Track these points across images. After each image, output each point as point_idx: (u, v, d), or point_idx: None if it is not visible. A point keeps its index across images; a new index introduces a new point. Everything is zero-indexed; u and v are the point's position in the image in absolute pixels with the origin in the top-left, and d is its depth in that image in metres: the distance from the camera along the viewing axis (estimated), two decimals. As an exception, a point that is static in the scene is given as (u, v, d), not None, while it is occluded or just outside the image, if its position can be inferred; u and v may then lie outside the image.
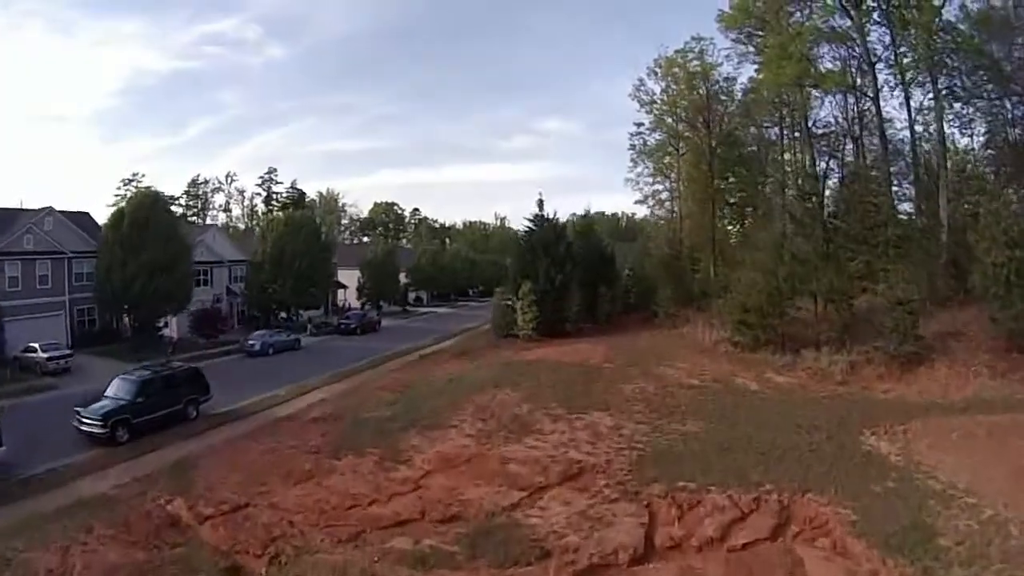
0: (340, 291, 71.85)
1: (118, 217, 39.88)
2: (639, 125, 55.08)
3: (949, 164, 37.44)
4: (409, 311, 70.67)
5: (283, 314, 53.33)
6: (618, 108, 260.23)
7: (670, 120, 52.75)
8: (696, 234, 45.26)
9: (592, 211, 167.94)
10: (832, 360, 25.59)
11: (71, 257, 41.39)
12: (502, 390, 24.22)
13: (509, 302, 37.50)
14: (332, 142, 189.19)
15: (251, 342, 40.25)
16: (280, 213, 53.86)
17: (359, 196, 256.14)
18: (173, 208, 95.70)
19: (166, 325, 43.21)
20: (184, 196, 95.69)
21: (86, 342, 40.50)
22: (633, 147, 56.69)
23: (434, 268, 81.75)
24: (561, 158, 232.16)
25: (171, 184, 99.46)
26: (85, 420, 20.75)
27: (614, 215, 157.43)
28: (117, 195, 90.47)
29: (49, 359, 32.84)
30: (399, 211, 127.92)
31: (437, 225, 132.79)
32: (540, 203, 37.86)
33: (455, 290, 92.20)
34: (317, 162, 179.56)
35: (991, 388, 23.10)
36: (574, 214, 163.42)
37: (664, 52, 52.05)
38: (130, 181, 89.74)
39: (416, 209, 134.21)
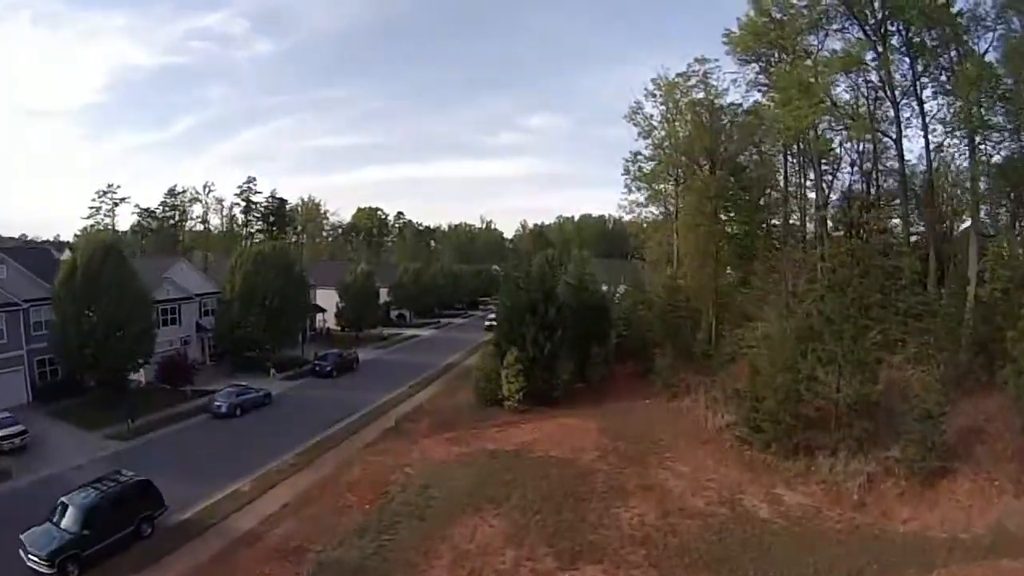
0: (319, 315, 69.12)
1: (70, 269, 36.80)
2: (636, 155, 52.34)
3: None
4: (388, 337, 67.46)
5: (254, 352, 50.09)
6: (607, 105, 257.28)
7: (669, 148, 49.93)
8: (696, 278, 42.63)
9: (579, 215, 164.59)
10: (848, 473, 23.45)
11: (27, 308, 38.59)
12: (484, 517, 21.83)
13: (494, 352, 34.81)
14: (319, 138, 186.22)
15: (217, 403, 37.55)
16: (251, 244, 50.42)
17: (344, 200, 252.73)
18: (151, 219, 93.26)
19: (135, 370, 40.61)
20: (161, 207, 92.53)
21: (49, 396, 38.25)
22: (627, 172, 54.00)
23: (416, 286, 79.05)
24: (549, 154, 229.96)
25: (152, 188, 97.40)
26: (31, 556, 18.87)
27: (601, 217, 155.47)
28: (92, 207, 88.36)
29: (3, 438, 29.93)
30: (383, 216, 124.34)
31: (422, 228, 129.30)
32: (527, 259, 34.88)
33: (440, 303, 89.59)
34: (303, 158, 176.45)
35: (1016, 512, 21.24)
36: (560, 216, 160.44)
37: (664, 72, 48.88)
38: (105, 193, 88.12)
39: (400, 213, 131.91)
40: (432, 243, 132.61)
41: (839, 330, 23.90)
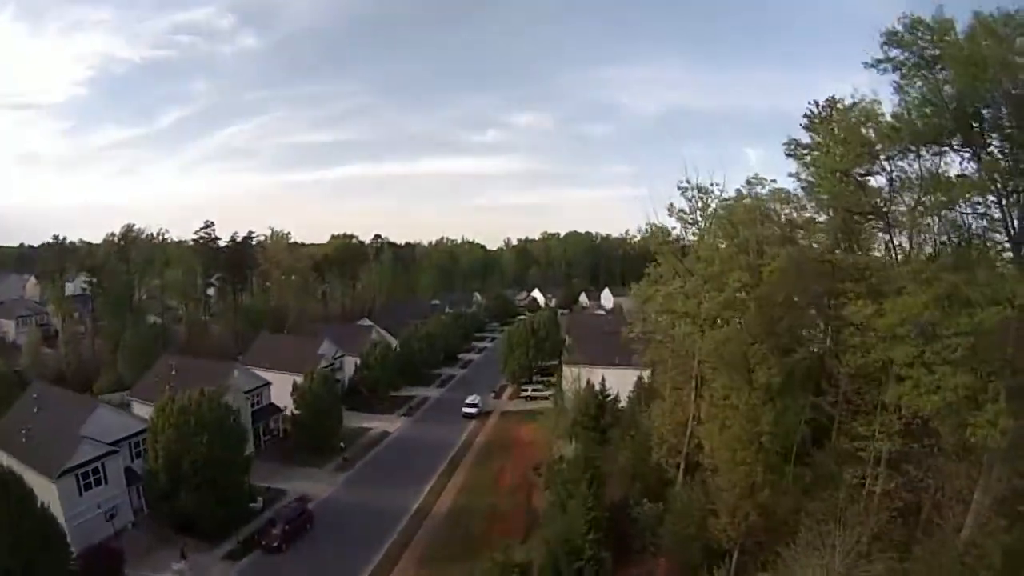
0: (273, 417, 63.13)
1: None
2: (661, 304, 42.25)
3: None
4: (347, 456, 59.84)
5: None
6: (600, 102, 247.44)
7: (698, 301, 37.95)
8: (723, 489, 33.41)
9: (564, 231, 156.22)
10: None
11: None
12: None
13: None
14: (303, 135, 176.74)
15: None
16: (173, 402, 43.80)
17: (327, 205, 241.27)
18: (99, 276, 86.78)
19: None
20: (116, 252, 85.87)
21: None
22: (640, 323, 45.85)
23: (383, 366, 73.17)
24: (535, 152, 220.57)
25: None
26: None
27: (588, 234, 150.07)
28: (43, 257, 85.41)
29: None
30: (358, 242, 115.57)
31: (402, 245, 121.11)
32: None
33: (414, 367, 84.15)
34: (285, 156, 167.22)
35: None
36: (545, 232, 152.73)
37: (696, 179, 36.82)
38: (52, 245, 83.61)
39: (377, 235, 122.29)
40: (413, 253, 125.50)
41: None
